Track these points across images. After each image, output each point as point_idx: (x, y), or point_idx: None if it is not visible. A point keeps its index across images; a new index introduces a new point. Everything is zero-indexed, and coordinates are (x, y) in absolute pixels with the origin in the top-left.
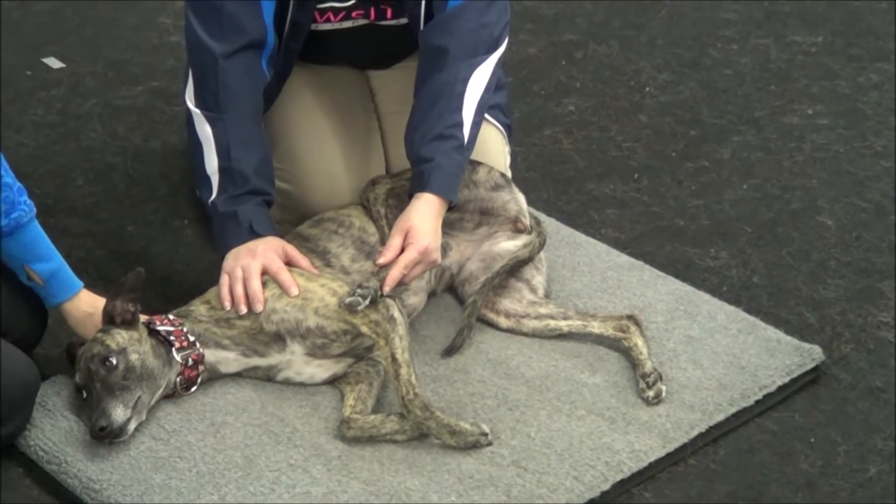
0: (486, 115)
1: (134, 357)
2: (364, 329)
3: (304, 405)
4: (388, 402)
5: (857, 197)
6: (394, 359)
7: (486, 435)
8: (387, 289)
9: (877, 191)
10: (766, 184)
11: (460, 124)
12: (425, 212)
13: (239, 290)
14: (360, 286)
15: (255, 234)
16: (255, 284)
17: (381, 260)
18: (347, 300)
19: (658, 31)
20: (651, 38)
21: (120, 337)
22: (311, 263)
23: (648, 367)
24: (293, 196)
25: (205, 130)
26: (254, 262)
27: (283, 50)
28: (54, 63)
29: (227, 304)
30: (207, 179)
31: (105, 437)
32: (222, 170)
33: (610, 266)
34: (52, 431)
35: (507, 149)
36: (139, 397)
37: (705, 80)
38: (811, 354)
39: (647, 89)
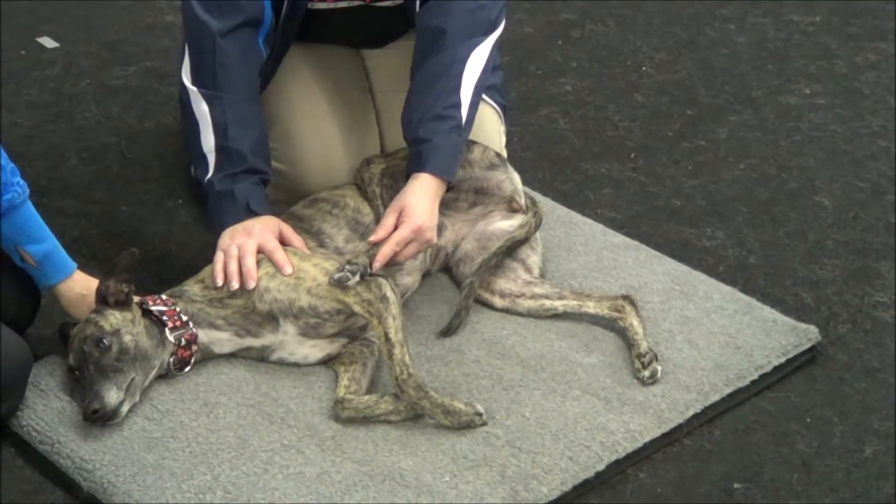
0: (483, 96)
1: (127, 338)
2: (357, 308)
3: (297, 385)
4: (382, 383)
5: (855, 177)
6: (387, 339)
7: (480, 415)
8: (377, 265)
9: (874, 170)
10: (762, 164)
11: (458, 105)
12: (421, 192)
13: (233, 267)
14: (349, 262)
15: (251, 213)
16: (250, 262)
17: (374, 237)
18: (336, 276)
19: (655, 11)
20: (648, 17)
21: (113, 318)
22: (306, 243)
23: (644, 347)
24: (288, 176)
25: (201, 109)
26: (249, 240)
27: (280, 30)
28: (48, 43)
29: (220, 281)
30: (204, 158)
31: (98, 419)
32: (219, 148)
33: (605, 246)
34: (45, 412)
35: (502, 129)
36: (132, 379)
37: (702, 60)
38: (807, 334)
39: (644, 69)
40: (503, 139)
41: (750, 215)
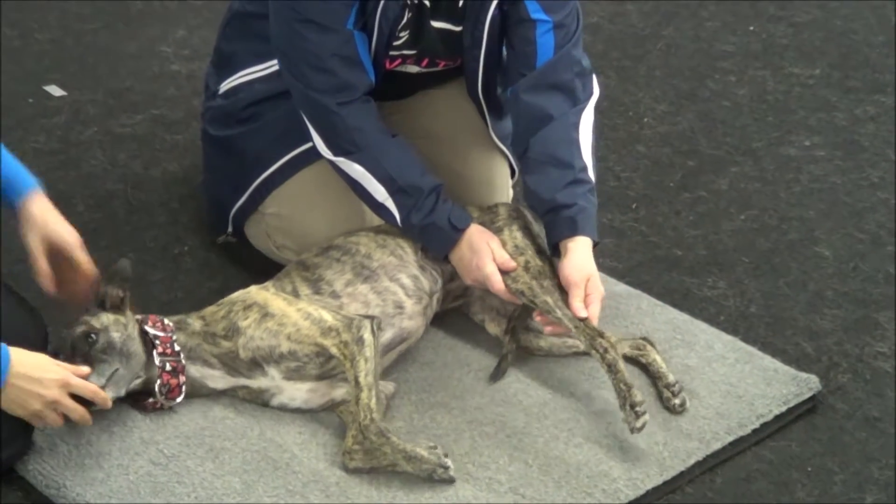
0: (500, 145)
1: (115, 335)
2: (334, 350)
3: (302, 431)
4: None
5: (854, 228)
6: (356, 382)
7: (446, 468)
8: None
9: (873, 222)
10: (763, 214)
11: (585, 168)
12: (589, 256)
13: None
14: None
15: (457, 230)
16: (493, 277)
17: (582, 314)
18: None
19: (656, 63)
20: (649, 69)
21: (105, 318)
22: (300, 293)
23: (671, 377)
24: (299, 223)
25: (355, 169)
26: (477, 257)
27: None
28: (55, 91)
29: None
30: (382, 207)
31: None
32: (393, 192)
33: (608, 295)
34: (51, 456)
35: (510, 181)
36: (116, 370)
37: (703, 112)
38: (808, 384)
39: (646, 120)
40: (511, 192)
41: (751, 265)
